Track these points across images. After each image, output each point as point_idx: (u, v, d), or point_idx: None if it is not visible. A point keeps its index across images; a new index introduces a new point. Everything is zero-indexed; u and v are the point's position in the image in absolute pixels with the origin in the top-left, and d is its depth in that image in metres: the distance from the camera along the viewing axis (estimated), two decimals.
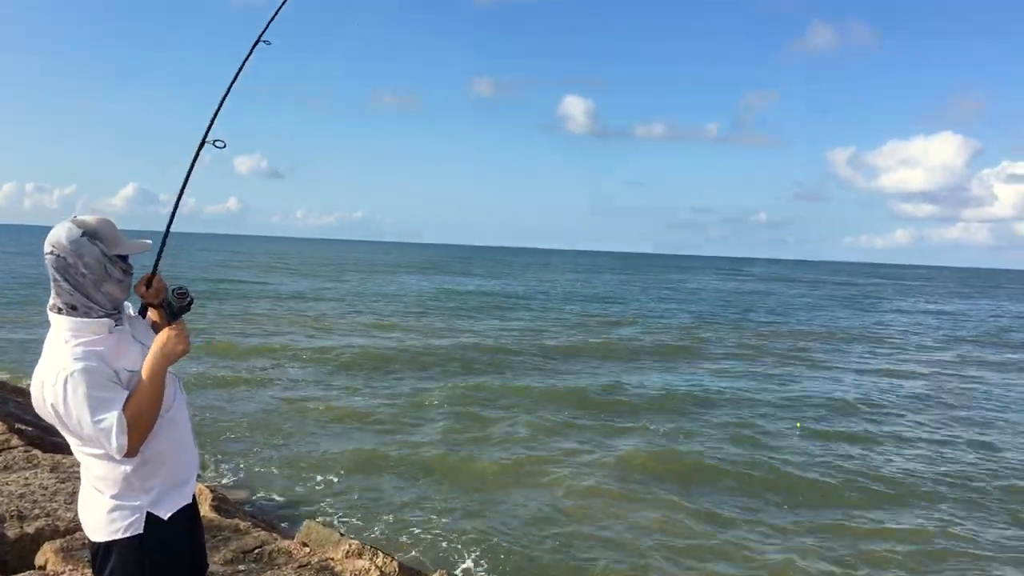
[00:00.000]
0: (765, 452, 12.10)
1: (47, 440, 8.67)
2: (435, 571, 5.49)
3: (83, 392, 2.38)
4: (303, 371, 17.42)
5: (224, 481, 9.49)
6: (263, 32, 3.46)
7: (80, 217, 2.53)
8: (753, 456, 11.81)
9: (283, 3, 3.64)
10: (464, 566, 7.34)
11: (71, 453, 8.10)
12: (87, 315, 2.50)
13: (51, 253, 2.47)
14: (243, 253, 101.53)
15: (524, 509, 9.16)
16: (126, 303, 2.72)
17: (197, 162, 3.16)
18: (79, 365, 2.40)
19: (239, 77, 3.36)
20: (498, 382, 17.14)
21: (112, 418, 2.40)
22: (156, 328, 2.79)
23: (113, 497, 2.55)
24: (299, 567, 5.08)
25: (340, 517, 8.46)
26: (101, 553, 2.60)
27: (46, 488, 6.21)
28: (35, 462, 6.92)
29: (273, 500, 9.03)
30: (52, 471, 6.67)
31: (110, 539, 2.56)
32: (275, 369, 17.49)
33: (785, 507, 9.69)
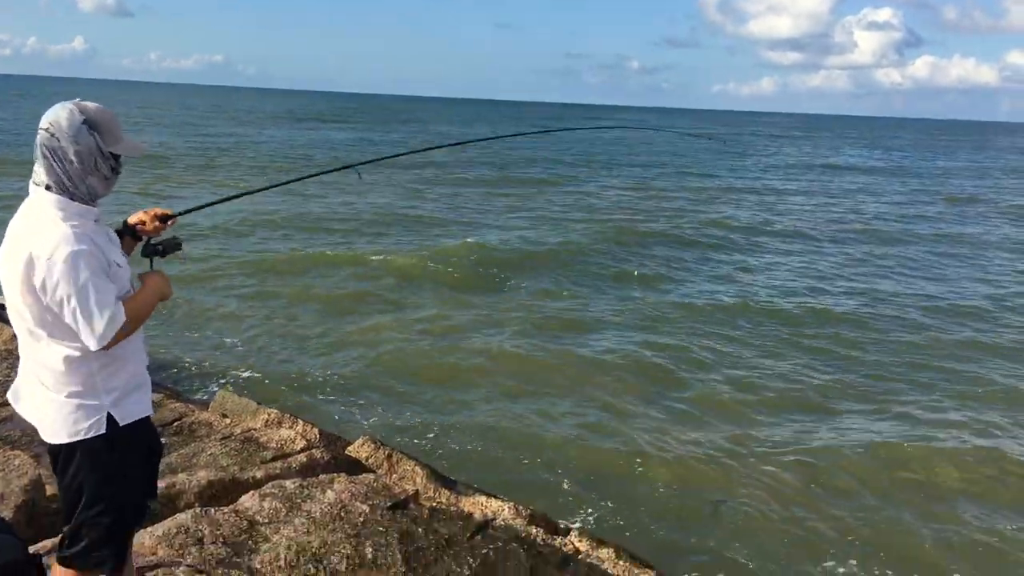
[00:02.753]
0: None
1: None
2: (357, 437, 5.66)
3: (86, 274, 2.34)
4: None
5: None
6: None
7: (83, 103, 2.46)
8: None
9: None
10: (382, 432, 7.57)
11: None
12: (70, 198, 2.44)
13: (46, 130, 2.40)
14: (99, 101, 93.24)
15: (438, 368, 9.45)
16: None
17: None
18: (83, 247, 2.35)
19: None
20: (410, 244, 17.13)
21: (111, 307, 2.39)
22: (123, 247, 2.75)
23: (72, 396, 2.50)
24: (223, 439, 5.14)
25: (247, 385, 8.45)
26: (63, 454, 2.57)
27: None
28: None
29: (178, 371, 8.90)
30: None
31: (73, 440, 2.53)
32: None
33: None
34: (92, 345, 2.41)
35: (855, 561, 6.16)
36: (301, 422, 5.65)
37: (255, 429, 5.37)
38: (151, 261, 2.82)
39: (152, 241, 2.83)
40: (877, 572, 6.06)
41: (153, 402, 5.62)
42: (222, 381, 8.47)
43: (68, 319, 2.38)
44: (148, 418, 2.75)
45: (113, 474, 2.58)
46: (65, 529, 2.65)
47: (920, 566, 6.21)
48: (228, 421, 5.49)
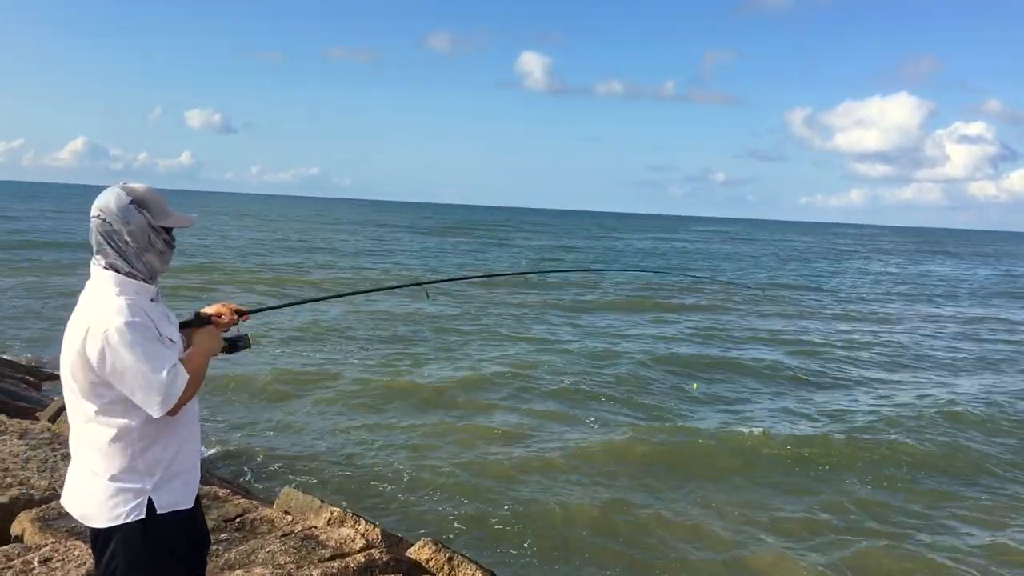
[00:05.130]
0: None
1: (12, 404, 8.47)
2: (419, 538, 5.51)
3: (142, 342, 2.40)
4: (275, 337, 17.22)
5: None
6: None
7: (130, 184, 2.58)
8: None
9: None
10: (447, 532, 7.38)
11: (37, 419, 7.87)
12: (130, 276, 2.53)
13: (98, 217, 2.51)
14: (224, 215, 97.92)
15: (507, 471, 9.20)
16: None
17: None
18: (136, 318, 2.42)
19: None
20: (492, 352, 17.15)
21: (171, 368, 2.43)
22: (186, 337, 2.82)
23: (113, 479, 2.49)
24: (283, 536, 5.05)
25: (315, 483, 8.42)
26: (101, 539, 2.55)
27: (16, 455, 6.07)
28: (2, 428, 6.76)
29: (242, 464, 8.96)
30: (21, 437, 6.53)
31: (111, 525, 2.50)
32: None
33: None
34: (156, 410, 2.43)
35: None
36: (363, 522, 5.54)
37: (316, 527, 5.27)
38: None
39: (223, 335, 2.90)
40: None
41: (218, 497, 5.65)
42: (290, 477, 8.45)
43: (129, 387, 2.41)
44: (192, 508, 2.69)
45: (149, 563, 2.53)
46: None
47: None
48: (290, 518, 5.41)
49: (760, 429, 11.30)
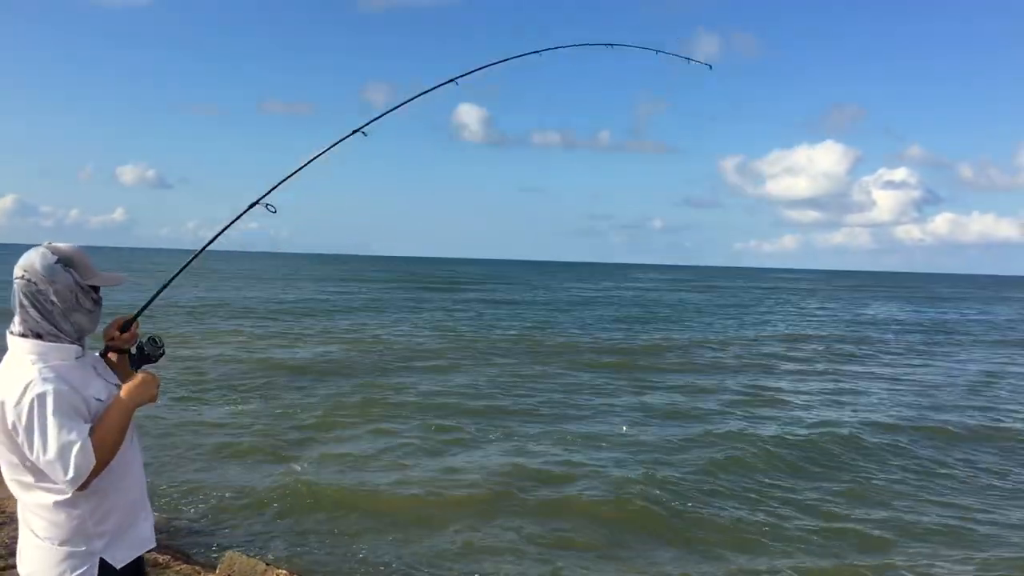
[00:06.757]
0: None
1: None
2: None
3: (51, 413, 2.31)
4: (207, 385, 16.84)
5: None
6: (364, 125, 3.86)
7: (55, 244, 2.51)
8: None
9: (394, 108, 4.18)
10: None
11: None
12: (53, 342, 2.45)
13: (22, 278, 2.43)
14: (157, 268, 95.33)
15: (463, 538, 9.06)
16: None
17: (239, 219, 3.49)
18: (49, 386, 2.34)
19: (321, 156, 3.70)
20: (421, 386, 17.03)
21: (78, 443, 2.32)
22: (114, 369, 2.74)
23: (63, 544, 2.46)
24: None
25: (259, 546, 8.20)
26: None
27: None
28: None
29: (182, 527, 8.69)
30: None
31: None
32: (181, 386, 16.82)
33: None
34: (66, 488, 2.37)
35: None
36: None
37: None
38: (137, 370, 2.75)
39: (132, 352, 2.77)
40: None
41: (158, 563, 5.54)
42: (233, 540, 8.18)
43: (40, 464, 2.35)
44: (140, 559, 2.68)
45: None
46: None
47: None
48: None
49: None
